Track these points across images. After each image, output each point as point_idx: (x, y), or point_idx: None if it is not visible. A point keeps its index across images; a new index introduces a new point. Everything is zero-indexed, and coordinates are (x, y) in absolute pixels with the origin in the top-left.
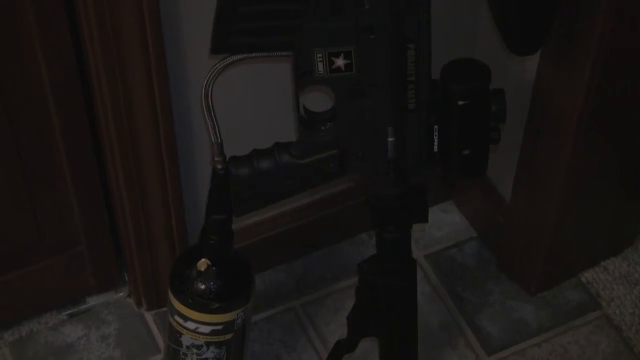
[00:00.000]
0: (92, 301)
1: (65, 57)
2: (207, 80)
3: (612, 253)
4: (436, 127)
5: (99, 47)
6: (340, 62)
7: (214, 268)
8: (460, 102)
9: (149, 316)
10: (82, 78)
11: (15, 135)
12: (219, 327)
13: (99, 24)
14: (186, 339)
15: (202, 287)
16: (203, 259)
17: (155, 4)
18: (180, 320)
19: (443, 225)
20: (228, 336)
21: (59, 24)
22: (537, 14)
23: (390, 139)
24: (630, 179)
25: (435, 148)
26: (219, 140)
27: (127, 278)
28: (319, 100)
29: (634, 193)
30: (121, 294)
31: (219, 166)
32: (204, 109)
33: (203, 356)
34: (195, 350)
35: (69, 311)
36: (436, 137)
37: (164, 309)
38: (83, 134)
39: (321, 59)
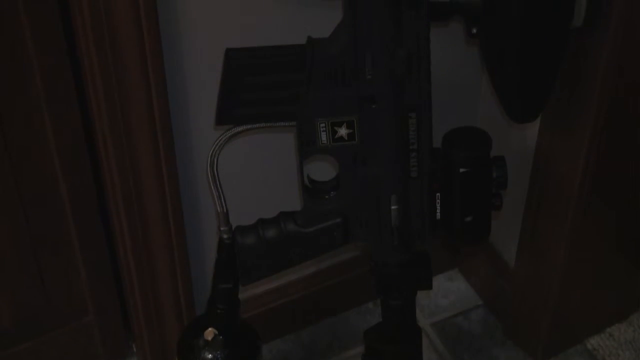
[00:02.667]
0: None
1: (73, 122)
2: (213, 150)
3: (617, 319)
4: (438, 194)
5: (106, 117)
6: (342, 131)
7: (221, 337)
8: (461, 170)
9: None
10: (90, 145)
11: (23, 206)
12: None
13: (107, 96)
14: None
15: (209, 356)
16: (210, 328)
17: (162, 74)
18: None
19: (449, 293)
20: None
21: (66, 91)
22: (535, 83)
23: (393, 207)
24: (633, 244)
25: (438, 215)
26: (225, 210)
27: (135, 348)
28: (322, 170)
29: (637, 258)
30: None
31: (225, 235)
32: (210, 179)
33: None
34: None
35: None
36: (438, 204)
37: None
38: (90, 203)
39: (324, 128)
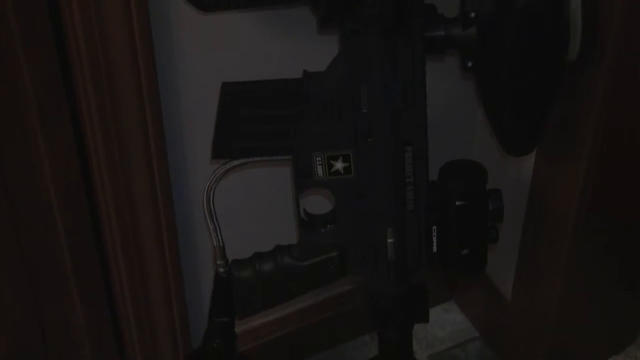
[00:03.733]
0: None
1: (68, 154)
2: (209, 184)
3: (614, 351)
4: (435, 227)
5: (103, 152)
6: (339, 165)
7: None
8: (457, 203)
9: None
10: (85, 178)
11: (20, 242)
12: None
13: (104, 133)
14: None
15: None
16: None
17: (158, 108)
18: None
19: (445, 325)
20: None
21: (62, 126)
22: (531, 117)
23: (389, 240)
24: (629, 276)
25: (435, 248)
26: (221, 244)
27: None
28: (319, 203)
29: (634, 290)
30: None
31: (221, 269)
32: (206, 213)
33: None
34: None
35: None
36: (435, 237)
37: None
38: (86, 237)
39: (320, 162)
